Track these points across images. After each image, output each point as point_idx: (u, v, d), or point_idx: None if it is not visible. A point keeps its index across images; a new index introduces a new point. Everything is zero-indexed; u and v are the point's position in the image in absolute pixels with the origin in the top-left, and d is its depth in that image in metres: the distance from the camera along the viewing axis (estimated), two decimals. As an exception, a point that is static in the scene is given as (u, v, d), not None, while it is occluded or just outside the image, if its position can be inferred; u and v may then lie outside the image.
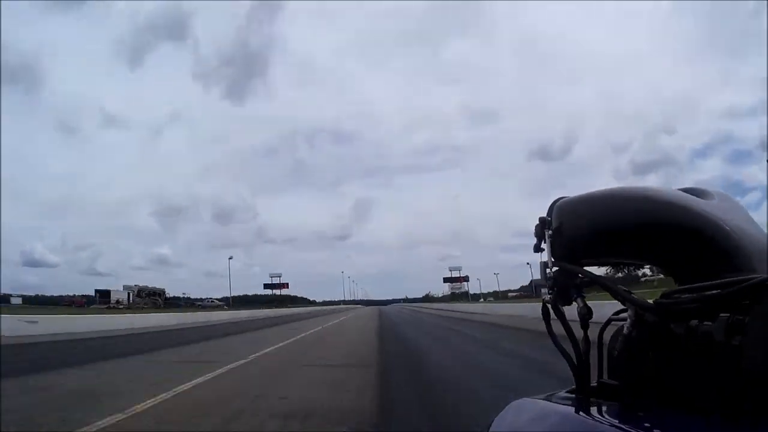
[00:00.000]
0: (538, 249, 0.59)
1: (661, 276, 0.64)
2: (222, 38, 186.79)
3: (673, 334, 0.44)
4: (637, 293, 0.51)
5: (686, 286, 0.47)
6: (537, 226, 0.60)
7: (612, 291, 0.50)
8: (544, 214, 0.60)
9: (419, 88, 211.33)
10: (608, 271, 0.73)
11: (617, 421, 0.45)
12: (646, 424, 0.43)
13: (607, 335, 0.55)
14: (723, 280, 0.43)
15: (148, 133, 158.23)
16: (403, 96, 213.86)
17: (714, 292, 0.43)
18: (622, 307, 0.52)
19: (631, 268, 0.55)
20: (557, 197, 0.61)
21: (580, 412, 0.51)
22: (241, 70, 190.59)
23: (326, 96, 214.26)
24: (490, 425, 0.55)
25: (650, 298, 0.49)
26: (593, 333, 0.57)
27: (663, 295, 0.47)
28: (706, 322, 0.42)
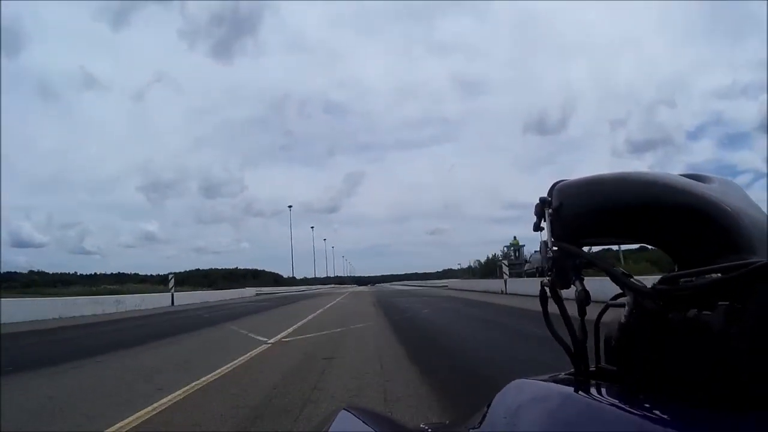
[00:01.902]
0: (537, 228, 0.59)
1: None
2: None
3: (672, 322, 0.44)
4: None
5: (686, 271, 0.46)
6: (537, 206, 0.59)
7: (611, 275, 0.49)
8: (539, 191, 0.58)
9: (413, 60, 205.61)
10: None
11: (616, 404, 0.46)
12: (646, 406, 0.44)
13: (605, 320, 0.55)
14: (724, 265, 0.43)
15: (133, 98, 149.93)
16: (397, 68, 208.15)
17: (715, 276, 0.42)
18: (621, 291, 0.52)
19: None
20: (557, 180, 0.60)
21: (580, 392, 0.51)
22: (231, 33, 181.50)
23: (317, 67, 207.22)
24: (490, 404, 0.55)
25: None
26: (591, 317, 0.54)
27: (662, 281, 0.47)
28: (705, 311, 0.41)
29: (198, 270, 70.46)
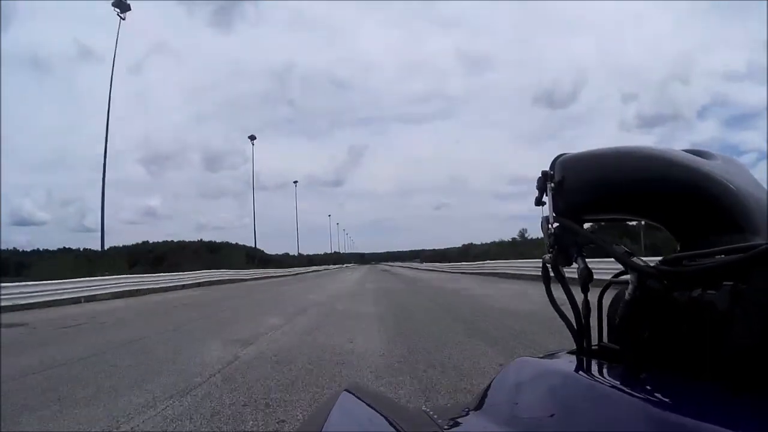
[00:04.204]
0: (539, 203, 0.58)
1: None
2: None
3: (676, 301, 0.43)
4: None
5: (689, 252, 0.45)
6: (539, 179, 0.58)
7: (613, 254, 0.49)
8: (545, 168, 0.58)
9: (419, 36, 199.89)
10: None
11: (618, 382, 0.46)
12: (647, 387, 0.43)
13: (608, 298, 0.55)
14: (727, 247, 0.42)
15: (131, 71, 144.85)
16: (403, 44, 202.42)
17: (719, 257, 0.41)
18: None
19: None
20: (559, 153, 0.59)
21: (580, 372, 0.51)
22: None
23: (323, 42, 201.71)
24: (491, 383, 0.56)
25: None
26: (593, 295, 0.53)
27: (665, 261, 0.46)
28: (709, 291, 0.41)
29: (146, 242, 56.32)
